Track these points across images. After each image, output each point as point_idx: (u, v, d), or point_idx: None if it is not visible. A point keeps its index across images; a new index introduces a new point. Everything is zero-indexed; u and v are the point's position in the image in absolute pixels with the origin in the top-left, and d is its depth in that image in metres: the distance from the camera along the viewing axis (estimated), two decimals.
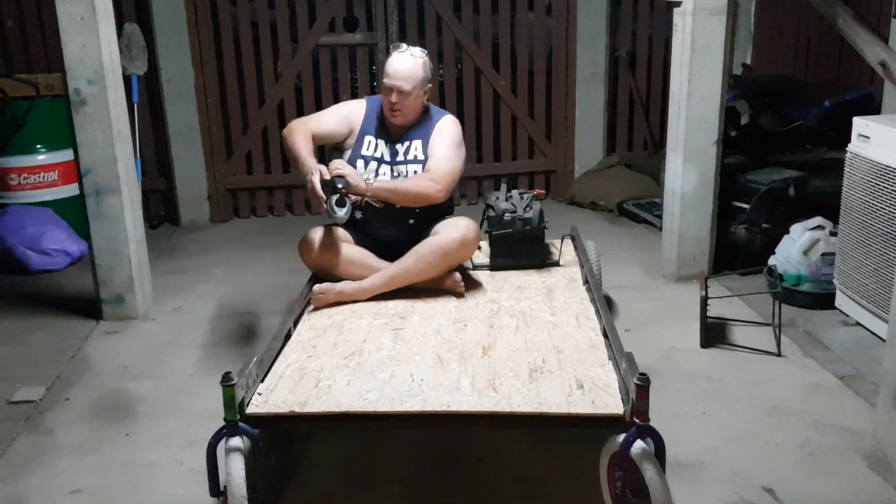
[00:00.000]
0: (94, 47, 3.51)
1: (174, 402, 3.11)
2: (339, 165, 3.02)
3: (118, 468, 2.69)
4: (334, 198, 2.92)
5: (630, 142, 6.25)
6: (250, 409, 2.21)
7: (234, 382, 2.11)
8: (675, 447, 2.66)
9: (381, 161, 3.22)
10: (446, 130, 3.24)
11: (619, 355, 2.37)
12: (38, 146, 4.96)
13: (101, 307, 3.91)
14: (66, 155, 4.76)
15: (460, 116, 5.88)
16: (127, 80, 5.18)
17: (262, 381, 2.39)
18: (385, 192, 3.08)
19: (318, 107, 5.66)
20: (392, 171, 3.21)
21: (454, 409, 2.20)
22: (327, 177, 2.92)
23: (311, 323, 2.90)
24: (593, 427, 2.21)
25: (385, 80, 3.13)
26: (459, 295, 3.12)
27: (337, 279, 3.10)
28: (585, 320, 2.85)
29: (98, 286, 3.89)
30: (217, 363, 3.40)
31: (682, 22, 3.88)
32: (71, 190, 4.87)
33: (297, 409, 2.22)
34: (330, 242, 3.11)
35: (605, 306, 2.96)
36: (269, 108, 5.68)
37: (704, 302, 3.42)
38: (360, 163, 3.20)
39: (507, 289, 3.23)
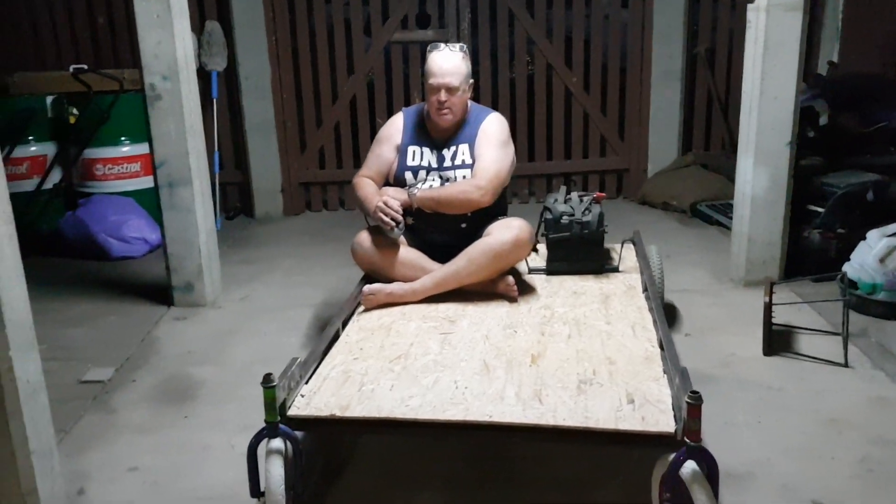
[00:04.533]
0: (169, 44, 3.65)
1: (233, 388, 3.21)
2: (383, 196, 3.07)
3: (174, 449, 2.80)
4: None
5: (707, 141, 6.09)
6: (292, 412, 2.20)
7: (274, 384, 2.09)
8: (725, 457, 2.59)
9: (428, 169, 3.19)
10: (491, 130, 3.17)
11: (674, 370, 2.24)
12: (123, 138, 5.20)
13: (171, 294, 4.08)
14: (148, 147, 4.96)
15: (530, 114, 5.89)
16: (207, 75, 5.42)
17: (306, 382, 2.37)
18: (430, 202, 3.08)
19: (390, 103, 5.76)
20: (441, 177, 3.17)
21: (496, 420, 2.13)
22: (389, 203, 3.03)
23: (360, 324, 2.89)
24: (642, 445, 2.10)
25: (431, 81, 3.09)
26: (512, 299, 3.05)
27: (389, 280, 3.08)
28: (642, 330, 2.73)
29: (169, 274, 4.05)
30: (277, 353, 3.48)
31: (756, 18, 3.75)
32: (152, 181, 5.05)
33: (338, 413, 2.20)
34: (382, 244, 3.10)
35: (664, 316, 2.83)
36: (342, 104, 5.79)
37: (768, 308, 3.30)
38: (408, 174, 3.19)
39: (562, 294, 3.14)
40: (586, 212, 3.33)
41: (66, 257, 5.01)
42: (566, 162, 6.07)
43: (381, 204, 3.02)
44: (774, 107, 3.80)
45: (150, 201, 5.07)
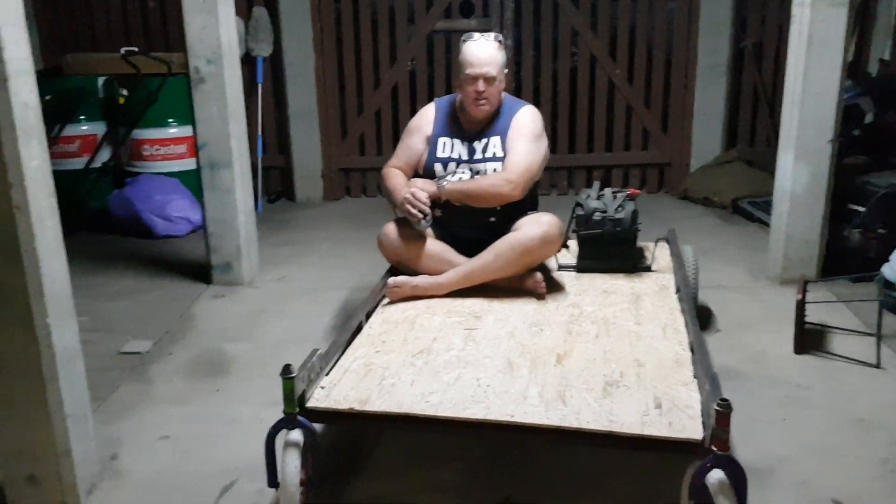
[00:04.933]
0: (213, 28, 3.74)
1: (264, 364, 3.29)
2: (411, 187, 3.04)
3: (205, 420, 2.89)
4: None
5: (752, 137, 6.00)
6: (311, 403, 2.18)
7: (293, 375, 2.07)
8: (746, 452, 2.61)
9: (459, 161, 3.13)
10: (524, 123, 3.10)
11: (705, 375, 2.16)
12: (170, 120, 5.32)
13: (211, 273, 4.19)
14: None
15: (572, 106, 5.87)
16: (253, 61, 5.52)
17: (326, 374, 2.35)
18: (458, 195, 3.02)
19: (431, 91, 5.79)
20: (472, 170, 3.11)
21: (517, 421, 2.07)
22: (416, 194, 2.98)
23: (384, 317, 2.85)
24: (668, 452, 2.01)
25: (468, 71, 3.03)
26: (540, 296, 2.99)
27: (415, 273, 3.05)
28: (673, 332, 2.63)
29: (209, 253, 4.16)
30: (309, 332, 3.57)
31: (800, 13, 3.69)
32: (196, 163, 5.21)
33: (357, 407, 2.17)
34: (409, 236, 3.06)
35: (696, 318, 2.74)
36: (383, 92, 5.84)
37: (800, 306, 3.26)
38: (437, 166, 3.14)
39: (591, 293, 3.05)
40: (619, 209, 3.23)
41: (113, 234, 5.17)
42: (607, 155, 6.04)
43: (408, 195, 2.98)
44: (816, 103, 3.74)
45: (194, 182, 5.17)
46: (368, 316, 2.87)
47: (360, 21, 5.75)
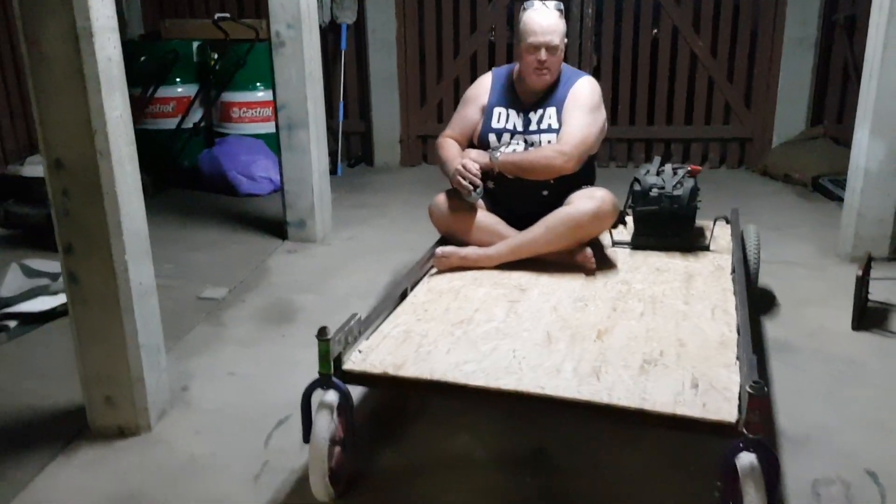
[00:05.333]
0: None
1: (328, 314, 3.47)
2: (464, 158, 3.01)
3: (269, 361, 3.10)
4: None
5: (840, 114, 5.80)
6: (347, 366, 2.22)
7: (329, 338, 2.11)
8: (785, 420, 2.64)
9: (513, 132, 3.07)
10: (581, 94, 3.01)
11: (746, 357, 2.10)
12: (258, 84, 5.58)
13: (286, 229, 4.42)
14: None
15: (652, 78, 5.81)
16: (338, 28, 5.71)
17: (367, 338, 2.39)
18: (511, 167, 2.97)
19: (510, 60, 5.83)
20: (526, 141, 3.04)
21: (548, 393, 2.06)
22: (468, 166, 2.95)
23: (430, 286, 2.86)
24: (701, 433, 1.95)
25: (531, 40, 2.94)
26: (590, 271, 2.93)
27: (465, 245, 3.02)
28: (722, 314, 2.56)
29: (285, 210, 4.39)
30: (373, 288, 3.74)
31: None
32: None
33: (391, 372, 2.19)
34: (460, 207, 3.02)
35: (746, 299, 2.62)
36: (462, 60, 5.94)
37: (860, 281, 3.21)
38: (491, 136, 3.08)
39: (643, 270, 2.98)
40: (678, 185, 3.12)
41: (203, 191, 5.49)
42: (687, 128, 5.97)
43: (459, 167, 2.95)
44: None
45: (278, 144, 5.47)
46: (416, 284, 2.88)
47: None
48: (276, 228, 4.55)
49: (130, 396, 2.57)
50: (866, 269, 3.28)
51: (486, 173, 3.01)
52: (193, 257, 4.25)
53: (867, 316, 3.35)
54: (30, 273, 3.63)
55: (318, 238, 4.38)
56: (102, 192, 2.34)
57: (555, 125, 3.01)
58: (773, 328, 3.31)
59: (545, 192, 3.03)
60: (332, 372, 2.16)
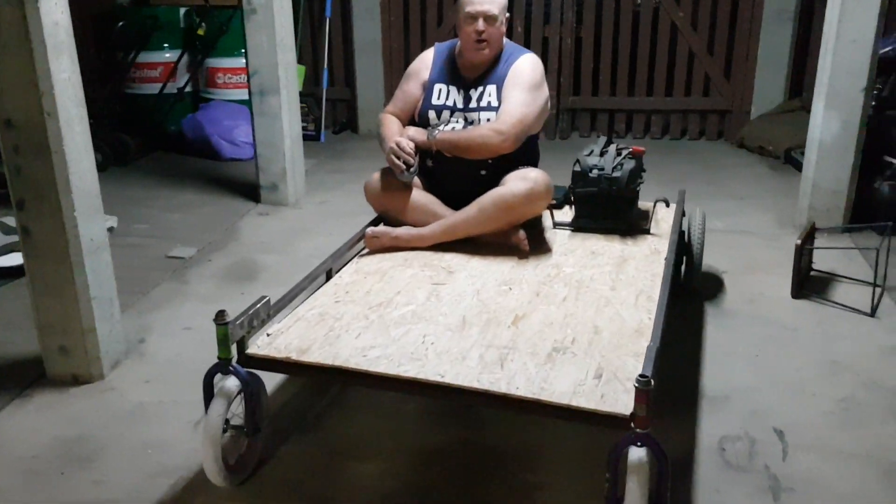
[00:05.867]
0: None
1: (288, 274, 3.58)
2: (403, 135, 2.93)
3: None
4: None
5: None
6: (251, 350, 2.18)
7: (227, 321, 2.08)
8: (708, 381, 2.76)
9: (453, 109, 2.97)
10: (522, 72, 2.91)
11: (651, 346, 2.03)
12: (242, 51, 5.65)
13: (259, 192, 4.54)
14: None
15: (633, 50, 5.85)
16: None
17: (279, 321, 2.35)
18: (448, 145, 2.89)
19: None
20: (465, 119, 2.96)
21: (446, 382, 2.02)
22: (401, 144, 2.86)
23: (358, 266, 2.79)
24: (597, 425, 1.91)
25: (468, 9, 2.86)
26: (523, 254, 2.86)
27: (400, 224, 2.95)
28: (646, 300, 2.50)
29: (258, 174, 4.51)
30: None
31: None
32: None
33: (294, 357, 2.15)
34: (394, 186, 2.93)
35: (668, 286, 2.56)
36: (445, 28, 5.98)
37: (799, 250, 3.31)
38: (431, 113, 2.99)
39: (578, 253, 2.92)
40: (617, 167, 3.05)
41: (186, 155, 5.61)
42: (667, 99, 6.02)
43: (393, 145, 2.87)
44: (851, 50, 3.68)
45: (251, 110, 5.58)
46: (348, 264, 2.83)
47: None
48: (251, 192, 4.67)
49: (83, 346, 2.72)
50: (806, 239, 3.38)
51: (425, 152, 2.95)
52: (168, 218, 4.39)
53: (809, 284, 3.45)
54: (7, 230, 3.78)
55: (289, 202, 4.51)
56: (51, 151, 2.46)
57: (494, 103, 2.93)
58: (715, 294, 3.42)
59: (483, 172, 2.95)
60: (230, 357, 2.12)
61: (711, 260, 3.72)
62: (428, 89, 3.03)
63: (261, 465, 2.31)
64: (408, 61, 6.12)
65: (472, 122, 2.95)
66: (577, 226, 3.15)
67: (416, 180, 2.96)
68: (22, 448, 2.43)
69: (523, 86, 2.89)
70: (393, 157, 2.87)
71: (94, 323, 2.71)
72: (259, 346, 2.21)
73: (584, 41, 5.97)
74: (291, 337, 2.26)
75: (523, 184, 2.81)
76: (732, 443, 2.43)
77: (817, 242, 3.58)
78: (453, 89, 3.00)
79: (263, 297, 2.29)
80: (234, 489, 2.21)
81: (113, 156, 5.33)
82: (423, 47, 6.04)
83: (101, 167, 5.14)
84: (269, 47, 4.17)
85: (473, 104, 2.97)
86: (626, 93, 6.05)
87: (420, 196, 2.95)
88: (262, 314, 2.27)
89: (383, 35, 6.02)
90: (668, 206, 3.27)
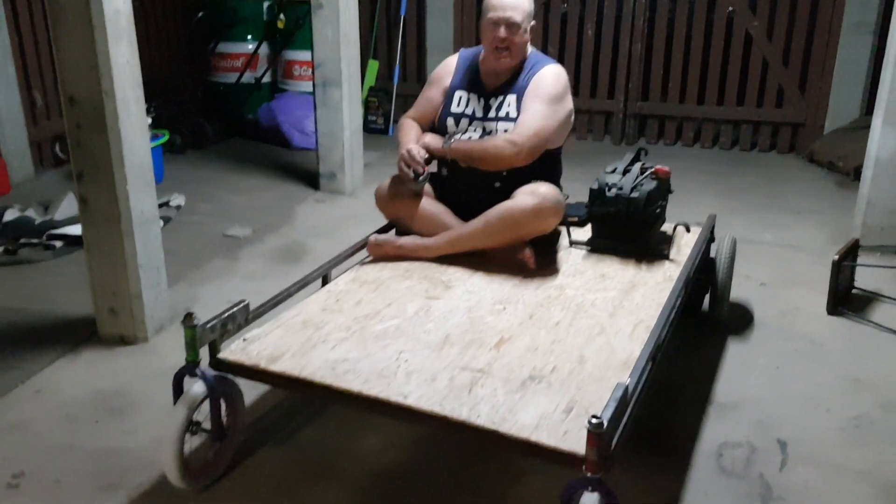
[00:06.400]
0: None
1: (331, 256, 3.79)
2: (420, 141, 2.88)
3: (267, 293, 3.29)
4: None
5: None
6: (222, 354, 2.16)
7: (195, 324, 2.06)
8: (721, 388, 2.77)
9: (472, 118, 2.89)
10: (543, 83, 2.80)
11: (620, 385, 1.83)
12: None
13: (318, 180, 4.74)
14: None
15: (705, 59, 5.79)
16: None
17: (259, 326, 2.33)
18: (463, 154, 2.81)
19: (563, 31, 5.96)
20: (484, 128, 2.87)
21: (409, 404, 1.95)
22: (412, 152, 2.81)
23: (357, 275, 2.74)
24: (554, 463, 1.80)
25: (490, 15, 2.78)
26: (529, 272, 2.76)
27: (410, 233, 2.90)
28: (644, 331, 2.34)
29: (318, 163, 4.71)
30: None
31: None
32: None
33: (262, 364, 2.11)
34: (404, 194, 2.86)
35: (669, 317, 2.38)
36: None
37: (836, 266, 3.25)
38: (450, 121, 2.92)
39: (587, 276, 2.78)
40: (636, 188, 2.87)
41: (259, 141, 5.89)
42: (738, 109, 5.92)
43: (404, 152, 2.82)
44: None
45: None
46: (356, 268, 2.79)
47: None
48: (311, 179, 4.89)
49: (130, 309, 2.95)
50: (845, 255, 3.31)
51: (441, 160, 2.90)
52: (232, 199, 4.65)
53: (849, 302, 3.38)
54: None
55: (346, 190, 4.69)
56: (107, 128, 2.69)
57: (513, 114, 2.83)
58: (748, 307, 3.39)
59: (497, 184, 2.85)
60: (198, 359, 2.10)
61: (752, 271, 3.69)
62: (448, 96, 2.95)
63: (229, 472, 2.28)
64: None
65: (489, 132, 2.86)
66: (595, 246, 2.99)
67: (428, 188, 2.91)
68: (65, 397, 2.67)
69: (543, 97, 2.79)
70: (402, 164, 2.82)
71: (141, 288, 2.94)
72: (232, 350, 2.18)
73: (656, 46, 5.94)
74: (267, 343, 2.22)
75: (531, 199, 2.71)
76: (732, 449, 2.44)
77: (862, 259, 3.51)
78: (473, 97, 2.92)
79: (242, 300, 2.27)
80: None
81: (192, 139, 5.65)
82: None
83: (180, 149, 5.54)
84: (333, 41, 4.36)
85: (492, 114, 2.88)
86: (696, 100, 5.98)
87: (430, 205, 2.89)
88: (239, 318, 2.24)
89: (455, 35, 6.15)
90: (688, 230, 3.06)
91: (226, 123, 5.94)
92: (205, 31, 5.86)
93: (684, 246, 3.03)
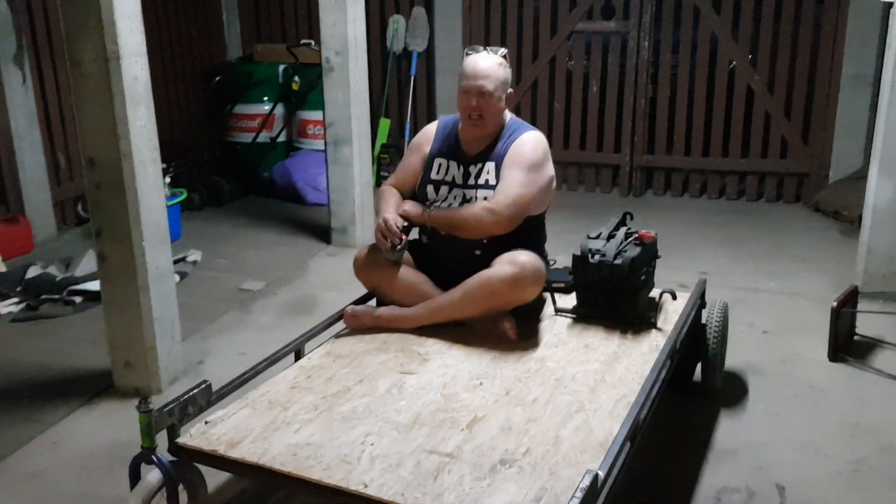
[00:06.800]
0: (342, 25, 4.38)
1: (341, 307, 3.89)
2: (400, 209, 2.86)
3: (278, 345, 3.46)
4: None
5: None
6: (182, 439, 2.08)
7: (150, 409, 1.99)
8: (721, 434, 2.81)
9: (451, 185, 2.87)
10: (522, 150, 2.78)
11: (590, 472, 1.75)
12: None
13: (330, 234, 4.88)
14: None
15: (708, 113, 5.92)
16: (409, 55, 6.18)
17: (223, 407, 2.27)
18: (442, 222, 2.79)
19: (569, 89, 6.13)
20: (464, 196, 2.84)
21: (368, 493, 1.87)
22: (388, 222, 2.78)
23: (332, 348, 2.67)
24: None
25: (463, 83, 2.77)
26: (510, 343, 2.70)
27: (390, 303, 2.85)
28: (625, 407, 2.24)
29: (330, 217, 4.85)
30: None
31: (893, 23, 3.65)
32: None
33: (222, 450, 2.03)
34: (382, 263, 2.83)
35: (650, 392, 2.30)
36: (523, 86, 6.24)
37: (835, 313, 3.30)
38: (430, 188, 2.89)
39: (570, 346, 2.69)
40: (620, 254, 2.75)
41: (275, 198, 6.05)
42: (742, 160, 6.02)
43: (381, 221, 2.80)
44: None
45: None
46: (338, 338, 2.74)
47: (507, 20, 6.20)
48: (324, 234, 5.01)
49: (144, 362, 3.06)
50: (844, 301, 3.37)
51: (421, 227, 2.89)
52: (246, 254, 4.78)
53: (850, 349, 3.42)
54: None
55: (357, 243, 4.81)
56: (125, 188, 2.84)
57: (492, 181, 2.80)
58: (750, 353, 3.43)
59: (478, 252, 2.80)
60: (154, 446, 2.02)
61: (755, 319, 3.74)
62: (427, 163, 2.93)
63: None
64: None
65: (469, 200, 2.83)
66: (580, 314, 2.90)
67: (408, 256, 2.87)
68: (81, 447, 2.76)
69: (522, 165, 2.76)
70: (379, 234, 2.80)
71: (156, 341, 3.04)
72: (192, 434, 2.09)
73: (660, 100, 6.08)
74: (229, 426, 2.13)
75: (509, 268, 2.65)
76: (730, 494, 2.48)
77: (863, 306, 3.55)
78: (453, 164, 2.89)
79: (204, 381, 2.22)
80: None
81: (209, 197, 5.82)
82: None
83: (198, 207, 5.71)
84: (343, 101, 4.53)
85: (472, 181, 2.85)
86: (700, 153, 6.10)
87: (409, 274, 2.84)
88: (201, 400, 2.18)
89: None
90: (674, 298, 2.95)
91: (242, 182, 6.12)
92: (222, 93, 6.09)
93: (673, 313, 2.92)
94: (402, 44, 6.33)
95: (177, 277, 3.71)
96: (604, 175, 6.35)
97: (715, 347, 2.96)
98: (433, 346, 2.68)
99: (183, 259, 4.50)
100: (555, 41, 6.13)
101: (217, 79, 6.04)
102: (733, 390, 3.12)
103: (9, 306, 3.93)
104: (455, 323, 2.76)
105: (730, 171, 6.07)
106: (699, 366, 3.02)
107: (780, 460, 2.65)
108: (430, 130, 3.01)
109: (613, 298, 2.81)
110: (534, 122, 6.30)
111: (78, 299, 3.94)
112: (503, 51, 2.90)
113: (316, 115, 6.10)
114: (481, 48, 2.87)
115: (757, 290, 4.13)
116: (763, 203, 6.02)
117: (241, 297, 4.13)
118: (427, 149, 2.96)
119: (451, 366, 2.54)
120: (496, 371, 2.52)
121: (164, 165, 3.28)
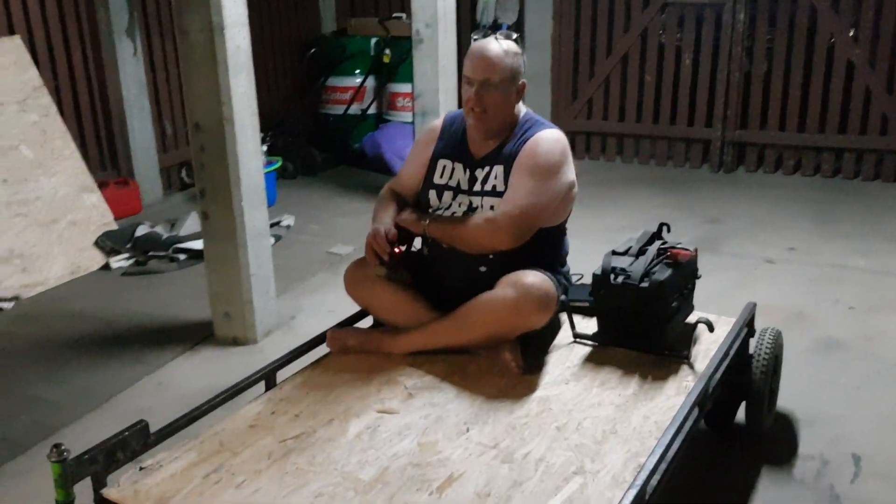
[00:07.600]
0: None
1: None
2: (392, 220, 2.50)
3: None
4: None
5: None
6: (106, 490, 1.79)
7: (64, 458, 1.68)
8: (799, 404, 2.80)
9: (456, 190, 2.46)
10: (534, 153, 2.36)
11: None
12: None
13: None
14: None
15: (805, 87, 5.76)
16: (499, 28, 6.23)
17: (166, 448, 1.96)
18: (441, 233, 2.41)
19: (660, 62, 6.07)
20: (470, 203, 2.43)
21: None
22: (378, 236, 2.42)
23: (307, 377, 2.32)
24: None
25: (465, 71, 2.39)
26: (513, 376, 2.30)
27: (383, 322, 2.53)
28: (634, 471, 1.83)
29: None
30: None
31: None
32: None
33: None
34: (371, 279, 2.46)
35: (685, 444, 1.97)
36: (614, 58, 6.20)
37: None
38: (432, 194, 2.49)
39: (584, 382, 2.27)
40: (647, 275, 2.31)
41: (365, 169, 6.25)
42: (840, 136, 5.83)
43: (370, 233, 2.42)
44: None
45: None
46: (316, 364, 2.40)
47: None
48: None
49: (242, 314, 3.27)
50: None
51: (423, 239, 2.51)
52: (336, 221, 4.99)
53: None
54: None
55: None
56: (227, 151, 3.03)
57: (500, 187, 2.40)
58: (833, 328, 3.39)
59: (483, 269, 2.41)
60: (70, 500, 1.72)
61: (842, 295, 3.69)
62: (430, 166, 2.53)
63: None
64: (575, 90, 6.44)
65: (476, 208, 2.42)
66: (602, 341, 2.47)
67: (405, 275, 2.48)
68: (183, 389, 3.01)
69: (533, 169, 2.35)
70: (367, 248, 2.45)
71: (252, 295, 3.26)
72: (120, 485, 1.81)
73: (755, 74, 5.94)
74: (165, 475, 1.84)
75: (511, 291, 2.26)
76: (804, 461, 2.51)
77: None
78: (459, 167, 2.48)
79: (140, 421, 1.91)
80: None
81: (303, 166, 6.07)
82: (591, 77, 6.35)
83: (292, 175, 5.97)
84: (431, 73, 4.63)
85: (478, 187, 2.44)
86: (796, 128, 5.94)
87: (401, 293, 2.46)
88: (134, 444, 1.87)
89: (552, 65, 6.36)
90: (711, 330, 2.40)
91: (334, 152, 6.34)
92: (316, 66, 6.30)
93: (713, 343, 2.43)
94: (493, 16, 6.38)
95: (272, 239, 3.93)
96: (694, 150, 6.26)
97: (762, 384, 2.47)
98: (423, 379, 2.29)
99: (278, 223, 4.74)
100: (647, 13, 6.06)
101: (312, 52, 6.26)
102: (813, 362, 3.10)
103: (120, 261, 4.25)
104: (457, 349, 2.38)
105: (826, 147, 5.89)
106: (743, 405, 2.55)
107: (858, 432, 2.64)
108: (435, 128, 2.61)
109: (638, 327, 2.37)
110: (623, 96, 6.32)
111: (182, 256, 4.22)
112: (514, 36, 2.48)
113: (405, 88, 6.24)
114: (491, 36, 2.44)
115: (845, 268, 4.05)
116: (860, 181, 5.82)
117: (330, 259, 4.33)
118: (431, 148, 2.55)
119: (438, 405, 2.15)
120: (489, 414, 2.12)
121: (262, 134, 3.49)
